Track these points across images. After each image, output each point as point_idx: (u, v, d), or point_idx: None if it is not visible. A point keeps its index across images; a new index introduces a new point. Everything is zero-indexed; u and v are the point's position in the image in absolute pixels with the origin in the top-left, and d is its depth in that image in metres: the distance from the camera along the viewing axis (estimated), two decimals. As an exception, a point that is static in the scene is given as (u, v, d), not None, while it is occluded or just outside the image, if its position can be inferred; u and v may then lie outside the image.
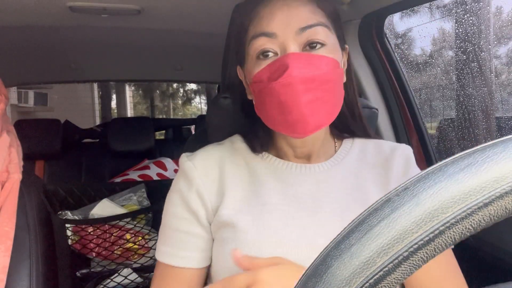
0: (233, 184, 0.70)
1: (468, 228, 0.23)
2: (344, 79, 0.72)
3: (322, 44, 0.65)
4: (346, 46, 0.75)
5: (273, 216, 0.66)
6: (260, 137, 0.74)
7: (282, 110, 0.63)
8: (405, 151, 0.77)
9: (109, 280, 1.32)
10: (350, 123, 0.78)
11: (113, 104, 9.70)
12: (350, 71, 0.76)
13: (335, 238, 0.25)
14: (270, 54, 0.65)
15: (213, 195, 0.70)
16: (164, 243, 0.71)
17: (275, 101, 0.63)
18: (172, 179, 0.76)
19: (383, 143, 0.79)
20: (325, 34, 0.66)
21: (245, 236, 0.65)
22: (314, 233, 0.65)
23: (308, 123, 0.62)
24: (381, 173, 0.73)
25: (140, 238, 1.36)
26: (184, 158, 0.74)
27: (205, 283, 0.74)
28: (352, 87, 0.77)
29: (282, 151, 0.74)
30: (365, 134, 0.80)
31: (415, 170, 0.75)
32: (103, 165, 2.41)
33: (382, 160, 0.75)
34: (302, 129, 0.63)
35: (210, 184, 0.70)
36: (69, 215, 1.31)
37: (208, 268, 0.73)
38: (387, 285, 0.24)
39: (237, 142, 0.77)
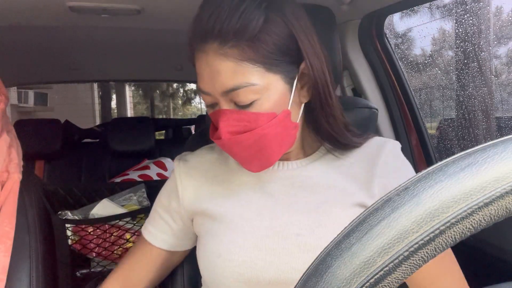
0: (213, 183, 0.76)
1: (469, 228, 0.23)
2: (306, 99, 0.68)
3: (250, 103, 0.62)
4: (303, 65, 0.66)
5: (248, 208, 0.71)
6: None
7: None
8: (395, 148, 0.74)
9: (109, 280, 1.32)
10: (325, 139, 0.73)
11: (113, 104, 9.70)
12: (317, 85, 0.67)
13: (335, 238, 0.25)
14: (214, 104, 0.66)
15: (188, 192, 0.76)
16: (148, 219, 0.83)
17: None
18: None
19: (370, 140, 0.76)
20: (251, 92, 0.61)
21: (219, 226, 0.70)
22: (286, 223, 0.68)
23: (250, 167, 0.68)
24: (365, 168, 0.72)
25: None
26: (177, 156, 0.83)
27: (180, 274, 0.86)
28: (320, 103, 0.68)
29: None
30: (351, 144, 0.74)
31: (405, 163, 0.73)
32: (103, 165, 2.41)
33: (368, 156, 0.73)
34: (250, 169, 0.68)
35: (187, 182, 0.77)
36: (69, 215, 1.31)
37: (181, 258, 0.84)
38: (388, 285, 0.24)
39: None
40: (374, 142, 0.75)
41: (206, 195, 0.75)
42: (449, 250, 0.68)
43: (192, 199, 0.76)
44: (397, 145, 0.76)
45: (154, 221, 0.81)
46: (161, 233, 0.80)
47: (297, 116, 0.69)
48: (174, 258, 0.83)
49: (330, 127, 0.70)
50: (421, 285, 0.65)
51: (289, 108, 0.65)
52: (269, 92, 0.62)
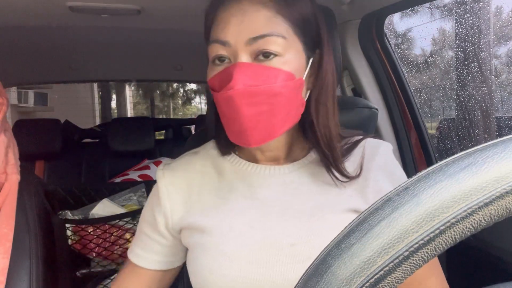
0: (202, 192, 0.72)
1: (469, 228, 0.23)
2: (309, 86, 0.68)
3: (275, 55, 0.61)
4: (318, 51, 0.68)
5: (239, 220, 0.67)
6: (222, 139, 0.73)
7: (227, 121, 0.64)
8: (388, 150, 0.73)
9: (109, 280, 1.32)
10: (312, 143, 0.69)
11: (113, 104, 9.70)
12: (322, 74, 0.67)
13: (335, 238, 0.25)
14: (226, 60, 0.63)
15: (177, 205, 0.72)
16: (134, 241, 0.78)
17: (221, 110, 0.64)
18: None
19: (362, 141, 0.73)
20: (279, 45, 0.61)
21: (210, 239, 0.67)
22: (280, 233, 0.65)
23: (252, 136, 0.62)
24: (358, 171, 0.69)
25: (140, 238, 1.35)
26: (160, 166, 0.77)
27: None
28: (318, 95, 0.67)
29: (251, 153, 0.73)
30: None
31: (397, 167, 0.72)
32: (103, 165, 2.41)
33: (361, 159, 0.70)
34: (246, 141, 0.63)
35: (174, 195, 0.73)
36: (69, 215, 1.31)
37: (178, 271, 0.79)
38: (388, 285, 0.24)
39: (210, 149, 0.77)
40: (367, 144, 0.72)
41: (195, 208, 0.71)
42: None
43: (182, 212, 0.72)
44: (390, 147, 0.74)
45: (141, 243, 0.76)
46: (151, 254, 0.75)
47: (305, 95, 0.67)
48: (169, 275, 0.79)
49: (319, 126, 0.67)
50: (408, 285, 0.65)
51: (304, 79, 0.65)
52: (291, 54, 0.63)
